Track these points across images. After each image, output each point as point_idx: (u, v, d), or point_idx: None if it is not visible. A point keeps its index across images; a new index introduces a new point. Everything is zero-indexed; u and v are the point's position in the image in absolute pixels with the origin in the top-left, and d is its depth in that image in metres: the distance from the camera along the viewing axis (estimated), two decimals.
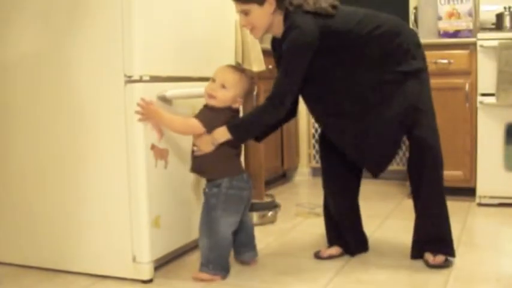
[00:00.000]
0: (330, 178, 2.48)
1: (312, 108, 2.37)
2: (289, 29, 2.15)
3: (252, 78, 2.38)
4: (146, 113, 2.18)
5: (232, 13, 2.83)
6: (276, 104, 2.18)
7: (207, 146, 2.22)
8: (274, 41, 2.39)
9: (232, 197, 2.24)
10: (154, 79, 2.26)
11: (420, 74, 2.27)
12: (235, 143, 2.25)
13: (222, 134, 2.20)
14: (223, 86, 2.22)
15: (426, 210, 2.34)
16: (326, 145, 2.45)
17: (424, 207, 2.35)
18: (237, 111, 2.31)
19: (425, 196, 2.33)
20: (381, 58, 2.21)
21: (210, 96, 2.23)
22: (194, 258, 2.53)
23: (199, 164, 2.28)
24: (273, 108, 2.19)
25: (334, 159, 2.43)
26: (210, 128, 2.21)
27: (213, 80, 2.25)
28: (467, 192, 3.47)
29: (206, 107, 2.27)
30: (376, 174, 2.34)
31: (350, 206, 2.51)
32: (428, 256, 2.35)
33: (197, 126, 2.20)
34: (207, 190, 2.27)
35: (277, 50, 2.32)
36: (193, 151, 2.28)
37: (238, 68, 2.38)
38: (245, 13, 2.21)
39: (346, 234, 2.50)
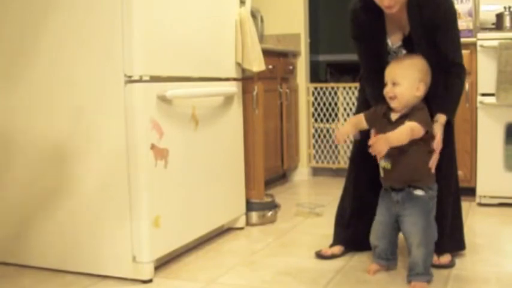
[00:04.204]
0: (361, 168, 2.48)
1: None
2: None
3: None
4: (380, 148, 2.08)
5: (232, 13, 2.84)
6: (464, 67, 2.26)
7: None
8: (361, 12, 2.30)
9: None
10: (154, 79, 2.26)
11: None
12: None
13: (443, 121, 2.18)
14: (394, 84, 2.14)
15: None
16: (365, 143, 2.35)
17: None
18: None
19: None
20: None
21: (390, 98, 2.16)
22: (194, 258, 2.53)
23: (412, 172, 2.14)
24: (465, 73, 2.27)
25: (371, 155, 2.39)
26: (427, 126, 2.14)
27: (386, 83, 2.18)
28: (468, 192, 3.46)
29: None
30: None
31: (375, 200, 2.43)
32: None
33: (418, 128, 2.09)
34: (419, 193, 2.16)
35: (369, 21, 2.28)
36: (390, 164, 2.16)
37: (401, 57, 2.27)
38: None
39: (360, 223, 2.47)
